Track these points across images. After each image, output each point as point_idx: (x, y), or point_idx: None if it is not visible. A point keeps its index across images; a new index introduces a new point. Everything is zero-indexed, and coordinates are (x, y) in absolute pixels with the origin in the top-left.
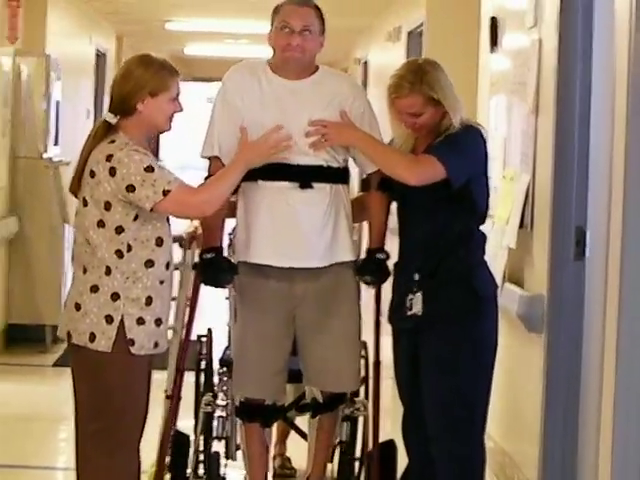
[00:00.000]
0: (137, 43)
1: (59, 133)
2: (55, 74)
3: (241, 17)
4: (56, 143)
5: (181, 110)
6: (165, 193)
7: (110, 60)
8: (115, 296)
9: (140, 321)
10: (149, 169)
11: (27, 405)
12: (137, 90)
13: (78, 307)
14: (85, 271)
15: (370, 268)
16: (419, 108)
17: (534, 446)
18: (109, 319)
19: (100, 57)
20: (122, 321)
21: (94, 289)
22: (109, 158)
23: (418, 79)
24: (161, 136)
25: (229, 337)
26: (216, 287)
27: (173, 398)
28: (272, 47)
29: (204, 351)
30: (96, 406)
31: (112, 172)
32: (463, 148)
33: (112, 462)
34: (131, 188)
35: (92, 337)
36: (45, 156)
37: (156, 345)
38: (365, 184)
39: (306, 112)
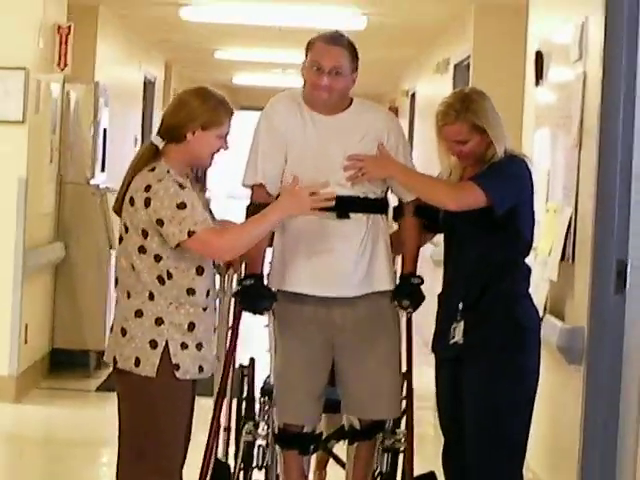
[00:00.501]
0: (186, 71)
1: (106, 160)
2: (103, 101)
3: (289, 48)
4: (103, 169)
5: (227, 149)
6: (190, 234)
7: (158, 87)
8: (159, 321)
9: (184, 346)
10: (181, 206)
11: (70, 429)
12: (190, 120)
13: (124, 332)
14: (129, 296)
15: (406, 292)
16: (465, 135)
17: (571, 476)
18: (153, 344)
19: (148, 84)
20: (166, 346)
21: (138, 314)
22: (147, 189)
23: (464, 107)
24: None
25: (270, 365)
26: (255, 313)
27: (212, 426)
28: (304, 81)
29: (245, 380)
30: (139, 430)
31: (147, 203)
32: (507, 176)
33: None
34: (160, 222)
35: (137, 362)
36: (92, 182)
37: (201, 369)
38: (397, 212)
39: (342, 146)
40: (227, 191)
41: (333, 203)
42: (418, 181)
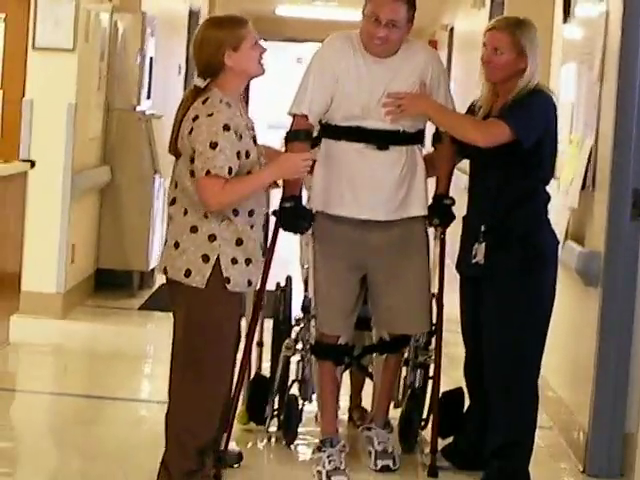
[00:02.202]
0: (229, 2)
1: (152, 87)
2: (150, 31)
3: None
4: (148, 97)
5: (265, 50)
6: (207, 172)
7: (202, 18)
8: (212, 237)
9: (234, 260)
10: (213, 145)
11: (113, 344)
12: (218, 49)
13: (177, 245)
14: (186, 213)
15: (438, 212)
16: (504, 46)
17: (587, 394)
18: (205, 258)
19: (193, 15)
20: (218, 260)
21: (193, 229)
22: (195, 118)
23: (517, 23)
24: (251, 95)
25: (305, 281)
26: (295, 233)
27: (249, 339)
28: (361, 29)
29: (283, 298)
30: (190, 338)
31: (190, 131)
32: (532, 111)
33: (201, 388)
34: (193, 152)
35: (188, 273)
36: (138, 109)
37: (249, 283)
38: (436, 138)
39: (387, 85)
40: (268, 121)
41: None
42: (449, 119)
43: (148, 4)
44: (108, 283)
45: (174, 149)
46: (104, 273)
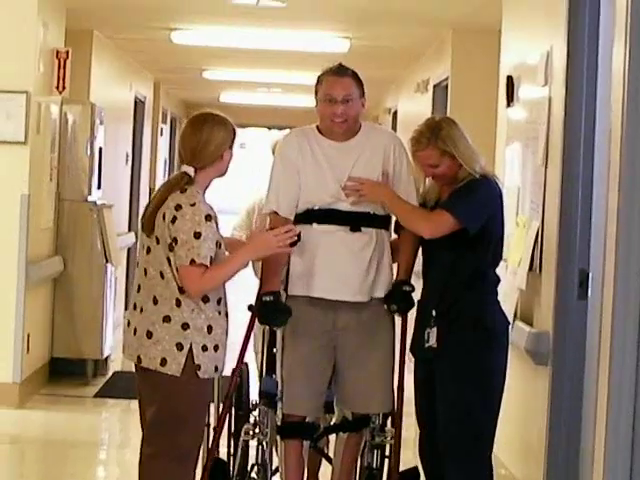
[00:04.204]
0: (174, 90)
1: (102, 177)
2: (98, 121)
3: (274, 68)
4: (99, 187)
5: (232, 158)
6: (191, 262)
7: (148, 106)
8: (185, 326)
9: (204, 348)
10: (197, 235)
11: (69, 432)
12: (222, 146)
13: (150, 335)
14: (156, 302)
15: (397, 298)
16: (435, 160)
17: (539, 470)
18: (180, 346)
19: (139, 103)
20: (191, 348)
21: (166, 319)
22: (177, 207)
23: (435, 135)
24: None
25: (267, 365)
26: (273, 327)
27: (217, 428)
28: (319, 115)
29: (240, 384)
30: (164, 422)
31: (173, 220)
32: (475, 198)
33: (173, 471)
34: (175, 241)
35: (163, 362)
36: (89, 199)
37: (216, 369)
38: (398, 225)
39: (351, 167)
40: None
41: (295, 237)
42: (400, 210)
43: (96, 95)
44: (63, 371)
45: (149, 228)
46: (58, 362)
